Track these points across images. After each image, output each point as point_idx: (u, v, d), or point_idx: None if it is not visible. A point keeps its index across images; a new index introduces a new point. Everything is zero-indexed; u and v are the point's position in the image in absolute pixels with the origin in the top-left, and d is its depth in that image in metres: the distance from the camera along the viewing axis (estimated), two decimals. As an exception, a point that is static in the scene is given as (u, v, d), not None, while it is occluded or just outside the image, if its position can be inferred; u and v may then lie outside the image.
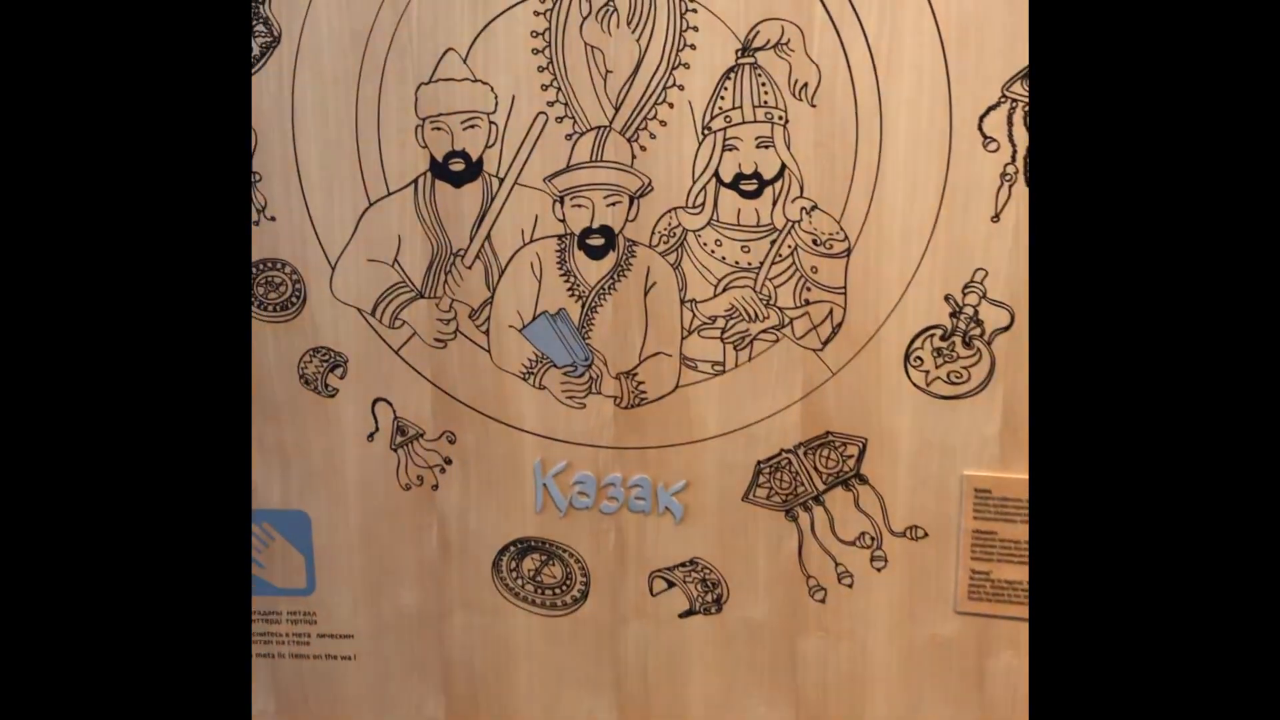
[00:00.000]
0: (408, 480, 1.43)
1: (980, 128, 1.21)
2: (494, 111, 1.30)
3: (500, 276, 1.35)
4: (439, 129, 1.31)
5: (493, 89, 1.29)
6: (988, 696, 1.37)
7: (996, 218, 1.23)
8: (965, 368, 1.28)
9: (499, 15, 1.27)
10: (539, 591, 1.45)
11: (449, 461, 1.41)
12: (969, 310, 1.26)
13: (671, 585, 1.42)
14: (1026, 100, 1.19)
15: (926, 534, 1.34)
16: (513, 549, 1.43)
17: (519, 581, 1.45)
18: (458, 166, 1.32)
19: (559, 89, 1.28)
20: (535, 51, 1.27)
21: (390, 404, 1.40)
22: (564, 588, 1.44)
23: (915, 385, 1.29)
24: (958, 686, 1.37)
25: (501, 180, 1.32)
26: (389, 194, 1.33)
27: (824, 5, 1.21)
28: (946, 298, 1.26)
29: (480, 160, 1.32)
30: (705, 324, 1.32)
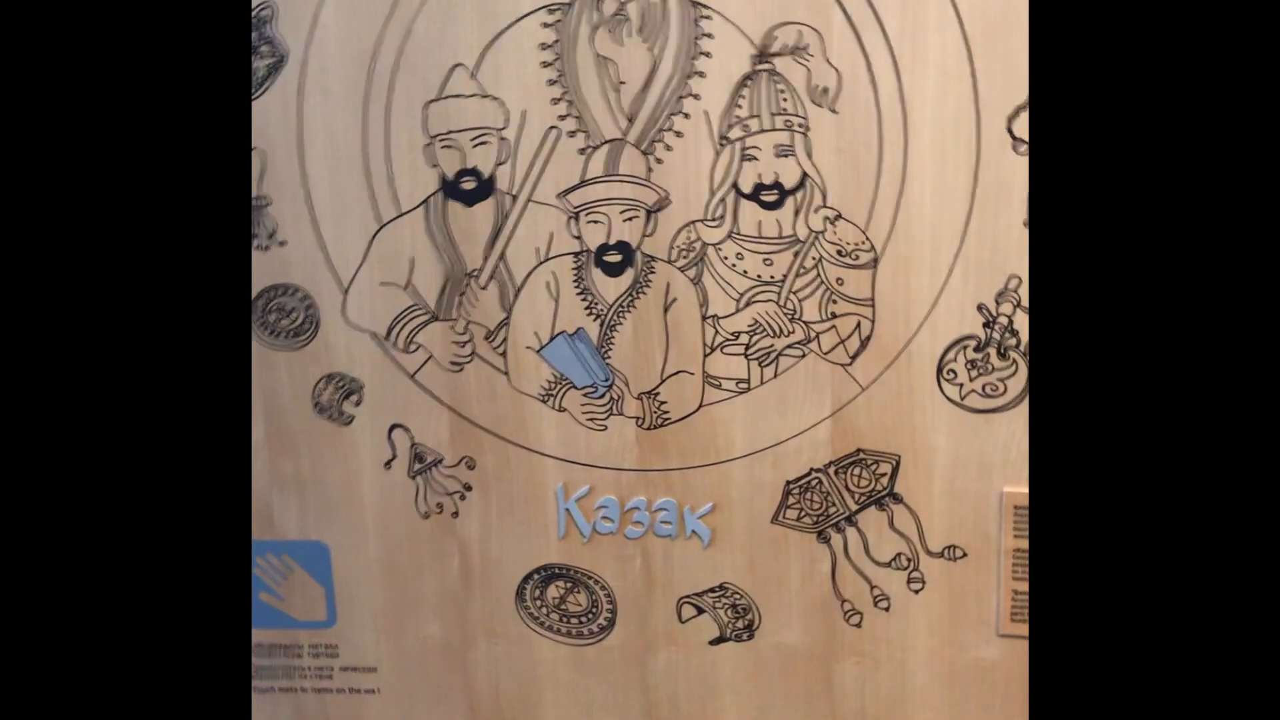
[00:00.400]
0: (427, 508, 1.39)
1: (1010, 129, 1.16)
2: (505, 127, 1.26)
3: (516, 297, 1.31)
4: (449, 147, 1.28)
5: (503, 104, 1.26)
6: (1034, 722, 1.31)
7: (1029, 222, 1.18)
8: (1001, 379, 1.22)
9: (507, 28, 1.23)
10: (564, 620, 1.41)
11: (469, 488, 1.37)
12: (1003, 319, 1.21)
13: (701, 611, 1.37)
14: (1057, 99, 1.14)
15: (965, 554, 1.28)
16: (536, 577, 1.39)
17: (543, 610, 1.41)
18: (469, 185, 1.29)
19: (571, 102, 1.24)
20: (545, 64, 1.24)
21: (407, 430, 1.36)
22: (590, 616, 1.40)
23: (949, 399, 1.24)
24: (1002, 711, 1.31)
25: (514, 198, 1.28)
26: (400, 215, 1.29)
27: (842, 7, 1.16)
28: (979, 307, 1.21)
29: (492, 178, 1.28)
30: (728, 340, 1.27)
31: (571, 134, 1.25)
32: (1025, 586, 1.27)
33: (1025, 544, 1.25)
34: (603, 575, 1.38)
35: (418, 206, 1.29)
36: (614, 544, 1.36)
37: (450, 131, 1.27)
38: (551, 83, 1.24)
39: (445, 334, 1.34)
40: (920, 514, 1.28)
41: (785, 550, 1.32)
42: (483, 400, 1.35)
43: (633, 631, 1.39)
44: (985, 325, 1.21)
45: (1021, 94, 1.15)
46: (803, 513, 1.31)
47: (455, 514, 1.39)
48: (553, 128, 1.25)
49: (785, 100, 1.20)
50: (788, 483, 1.30)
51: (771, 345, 1.27)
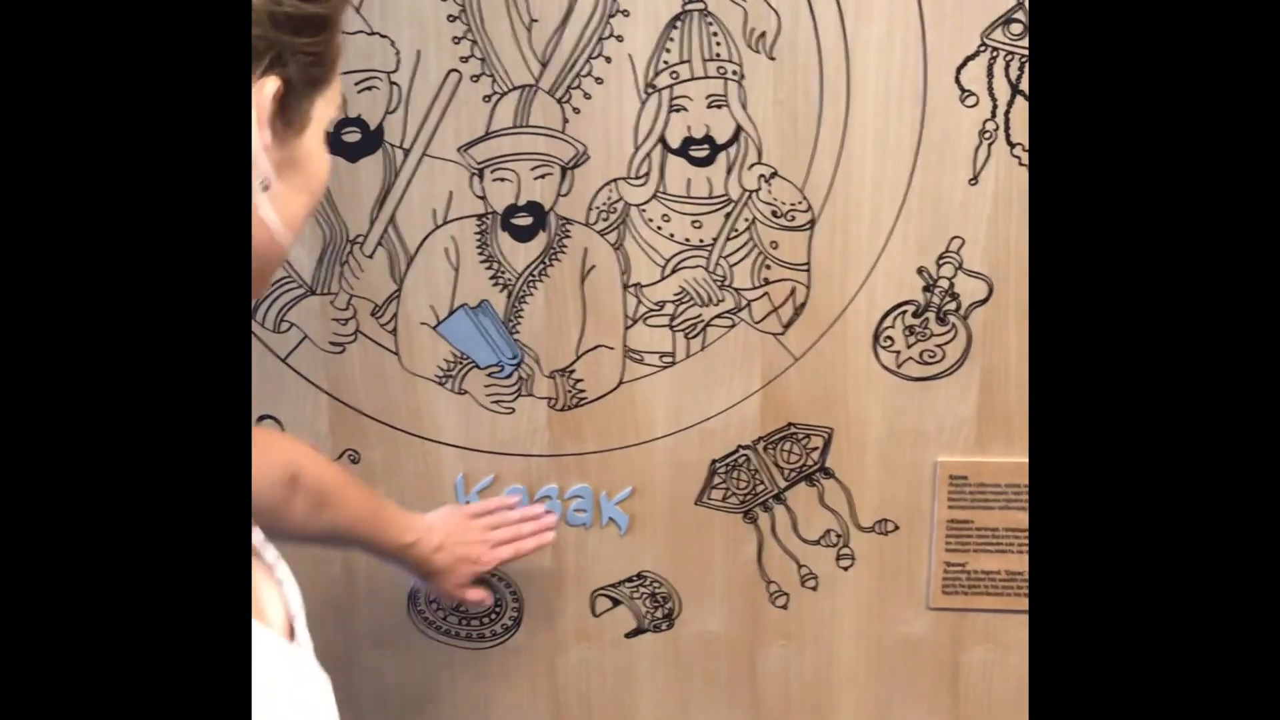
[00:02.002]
0: (303, 508, 1.22)
1: (958, 80, 1.08)
2: (395, 70, 1.09)
3: (409, 266, 1.15)
4: (328, 92, 1.10)
5: (393, 43, 1.08)
6: (962, 694, 1.28)
7: (975, 180, 1.11)
8: (939, 345, 1.16)
9: (398, -46, 1.07)
10: (463, 624, 1.27)
11: (353, 483, 1.21)
12: (944, 283, 1.14)
13: (617, 603, 1.26)
14: (1008, 49, 1.07)
15: (897, 527, 1.22)
16: (431, 577, 1.25)
17: (440, 614, 1.26)
18: (352, 137, 1.11)
19: (474, 42, 1.08)
20: (444, -2, 1.08)
21: (278, 421, 1.18)
22: (492, 617, 1.27)
23: (885, 367, 1.17)
24: (930, 686, 1.27)
25: (407, 152, 1.11)
26: (268, 172, 1.10)
27: (784, -58, 1.06)
28: (920, 270, 1.14)
29: (380, 129, 1.11)
30: (652, 311, 1.16)
31: (475, 79, 1.09)
32: (958, 558, 1.22)
33: (959, 515, 1.21)
34: (507, 572, 1.24)
35: (290, 162, 1.11)
36: (521, 537, 1.23)
37: (329, 74, 1.09)
38: (452, 19, 1.08)
39: (323, 310, 1.16)
40: (852, 488, 1.21)
41: (709, 533, 1.23)
42: (369, 385, 1.18)
43: (540, 630, 1.27)
44: (925, 289, 1.15)
45: (971, 43, 1.08)
46: (729, 493, 1.22)
47: (337, 513, 1.22)
48: (453, 71, 1.09)
49: (719, 45, 1.08)
50: (713, 462, 1.21)
51: (699, 315, 1.16)
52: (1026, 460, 1.19)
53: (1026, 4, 1.06)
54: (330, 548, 1.18)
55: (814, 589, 1.25)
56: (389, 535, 1.11)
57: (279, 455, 1.00)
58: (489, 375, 1.18)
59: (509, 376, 1.18)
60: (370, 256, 1.14)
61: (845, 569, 1.24)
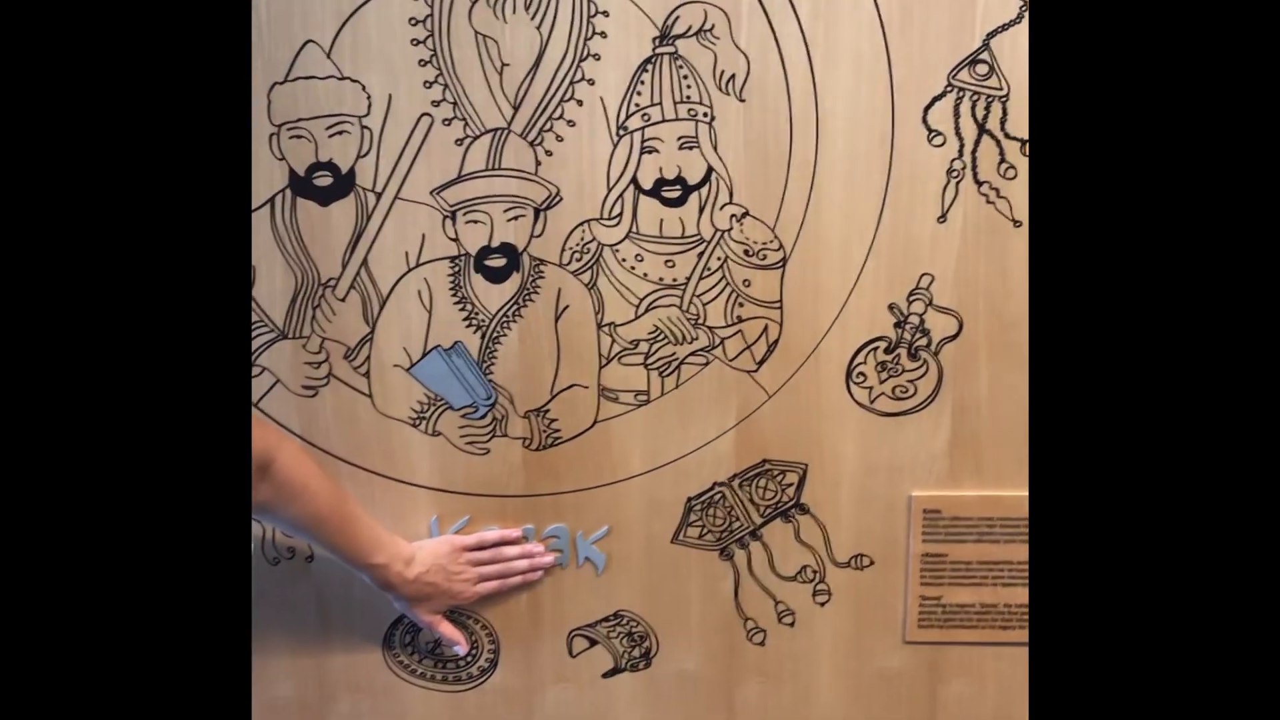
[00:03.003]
0: (275, 554, 1.20)
1: (925, 120, 1.10)
2: (366, 115, 1.09)
3: (381, 308, 1.14)
4: (299, 137, 1.09)
5: (364, 87, 1.09)
6: (939, 727, 1.28)
7: (943, 218, 1.12)
8: (911, 381, 1.17)
9: (369, 0, 1.07)
10: (439, 666, 1.26)
11: (326, 527, 1.20)
12: (915, 319, 1.16)
13: (594, 643, 1.25)
14: (975, 89, 1.09)
15: (872, 562, 1.23)
16: (406, 621, 1.23)
17: (415, 656, 1.25)
18: (324, 181, 1.11)
19: (446, 86, 1.09)
20: (415, 42, 1.08)
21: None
22: (469, 659, 1.26)
23: (858, 403, 1.18)
24: (907, 719, 1.28)
25: (379, 195, 1.11)
26: (239, 216, 1.10)
27: (752, -14, 1.07)
28: (891, 307, 1.15)
29: (352, 172, 1.11)
30: (626, 349, 1.16)
31: (447, 122, 1.10)
32: (933, 592, 1.23)
33: (934, 548, 1.22)
34: (483, 613, 1.24)
35: (262, 206, 1.10)
36: (497, 578, 1.23)
37: (300, 119, 1.09)
38: (423, 63, 1.08)
39: (296, 353, 1.15)
40: (827, 524, 1.22)
41: (685, 571, 1.23)
42: (342, 428, 1.17)
43: (518, 671, 1.26)
44: (896, 325, 1.16)
45: (938, 84, 1.09)
46: (705, 530, 1.22)
47: (310, 558, 1.21)
48: (424, 115, 1.09)
49: (689, 87, 1.09)
50: (689, 499, 1.21)
51: (673, 353, 1.16)
52: (998, 493, 1.20)
53: (991, 45, 1.08)
54: (302, 538, 1.18)
55: (791, 625, 1.25)
56: (357, 549, 1.13)
57: (255, 440, 1.01)
58: (463, 416, 1.17)
59: (483, 417, 1.18)
60: (343, 299, 1.14)
61: (822, 605, 1.24)
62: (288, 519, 1.08)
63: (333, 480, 1.13)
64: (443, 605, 1.20)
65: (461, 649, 1.21)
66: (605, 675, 1.27)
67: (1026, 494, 1.19)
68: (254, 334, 1.14)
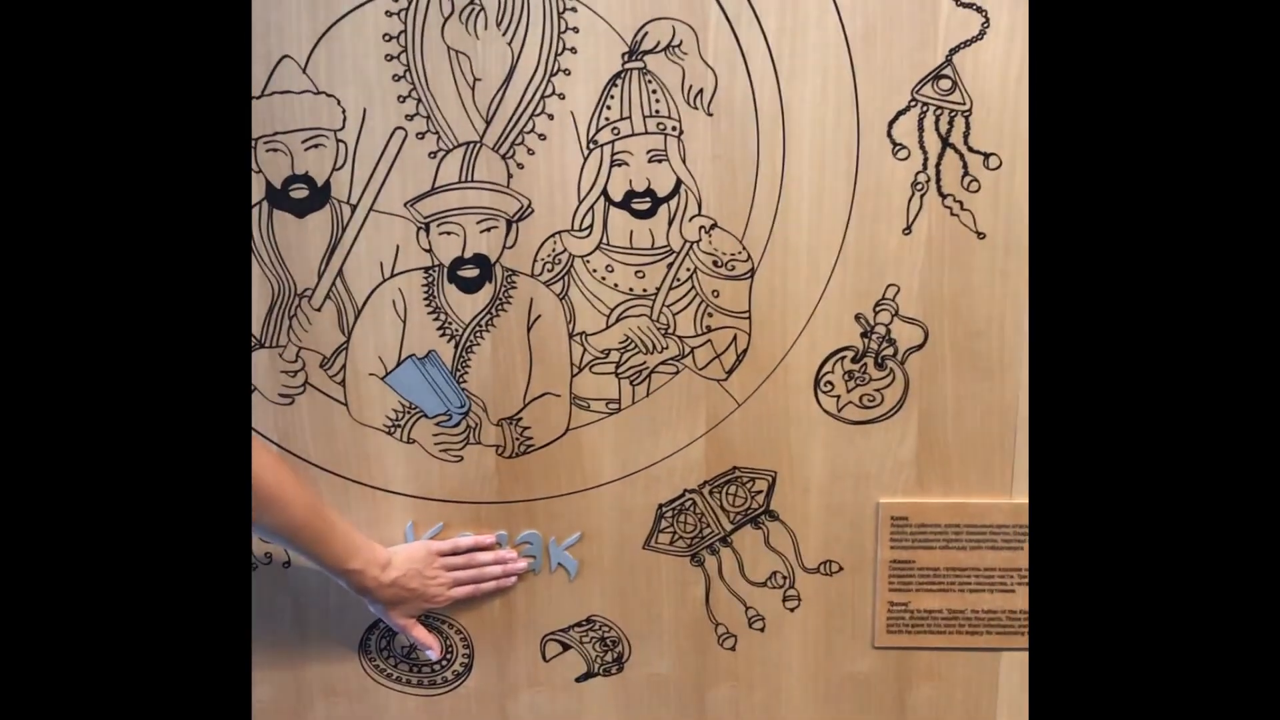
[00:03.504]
0: (253, 560, 1.22)
1: (889, 134, 1.12)
2: (341, 128, 1.11)
3: (356, 318, 1.16)
4: (275, 150, 1.11)
5: (339, 102, 1.11)
6: (908, 731, 1.30)
7: (908, 230, 1.15)
8: (878, 390, 1.19)
9: (344, 16, 1.09)
10: (414, 670, 1.28)
11: (303, 533, 1.22)
12: (881, 329, 1.18)
13: (567, 648, 1.27)
14: (938, 103, 1.11)
15: (841, 568, 1.25)
16: (382, 625, 1.25)
17: (390, 660, 1.27)
18: (300, 193, 1.13)
19: (419, 100, 1.11)
20: (389, 58, 1.10)
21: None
22: (444, 663, 1.27)
23: (826, 411, 1.20)
24: (877, 724, 1.30)
25: (354, 207, 1.13)
26: (216, 228, 1.12)
27: (719, 3, 1.09)
28: (857, 317, 1.17)
29: (327, 185, 1.13)
30: (598, 359, 1.18)
31: (420, 135, 1.12)
32: (901, 598, 1.25)
33: (901, 555, 1.24)
34: (457, 618, 1.26)
35: (239, 218, 1.13)
36: (471, 583, 1.25)
37: (276, 133, 1.11)
38: (397, 78, 1.10)
39: (272, 362, 1.17)
40: (796, 530, 1.24)
41: (657, 577, 1.25)
42: (318, 436, 1.19)
43: (491, 675, 1.28)
44: (863, 335, 1.18)
45: (902, 98, 1.11)
46: (676, 536, 1.24)
47: (287, 563, 1.23)
48: (398, 128, 1.11)
49: (658, 101, 1.12)
50: (660, 506, 1.23)
51: (644, 362, 1.18)
52: (965, 500, 1.22)
53: (954, 61, 1.10)
54: (278, 545, 1.20)
55: (761, 630, 1.27)
56: (333, 555, 1.14)
57: None
58: (437, 424, 1.19)
59: (457, 425, 1.20)
60: (319, 309, 1.16)
61: (791, 610, 1.26)
62: (263, 526, 1.09)
63: (307, 487, 1.14)
64: (417, 609, 1.21)
65: (434, 654, 1.23)
66: (578, 679, 1.29)
67: (992, 501, 1.21)
68: (231, 343, 1.16)
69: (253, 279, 1.14)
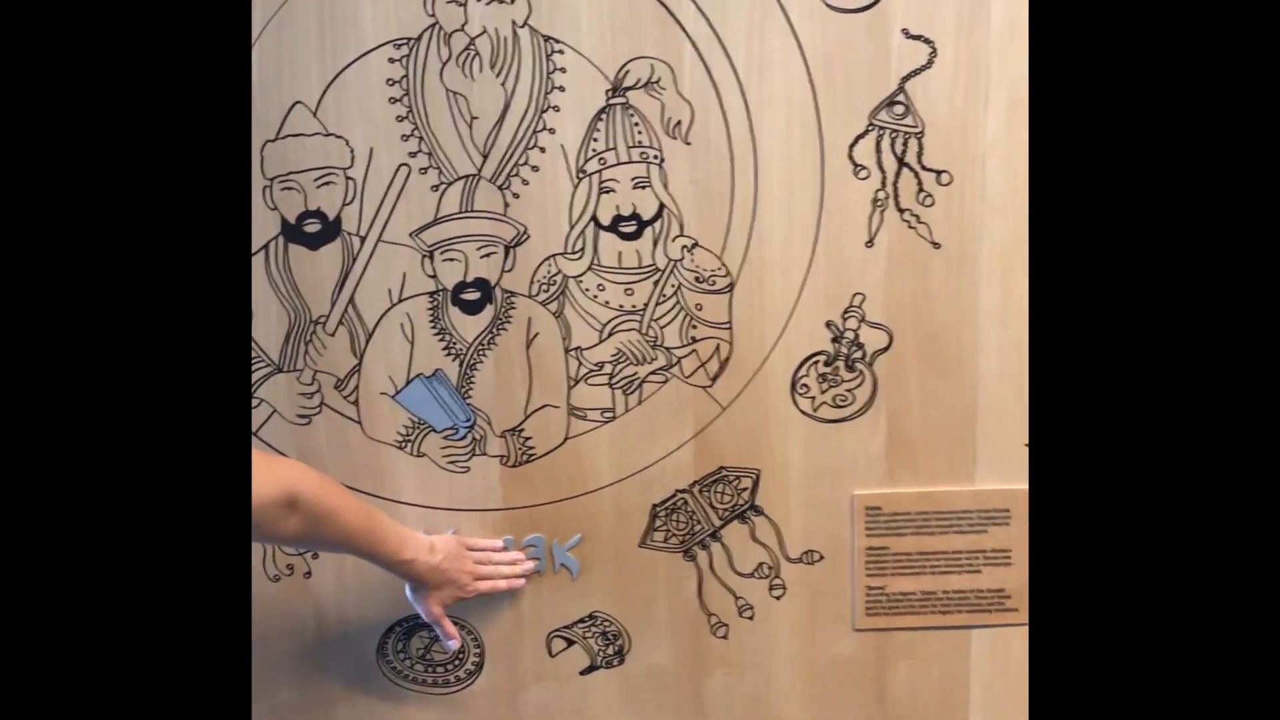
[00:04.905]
0: (276, 571, 1.31)
1: (850, 156, 1.24)
2: (350, 166, 1.21)
3: (368, 341, 1.26)
4: (290, 189, 1.21)
5: (348, 142, 1.21)
6: (889, 708, 1.40)
7: (870, 243, 1.26)
8: (849, 390, 1.30)
9: (350, 64, 1.19)
10: (430, 670, 1.36)
11: (322, 545, 1.31)
12: (850, 334, 1.29)
13: (571, 643, 1.36)
14: (893, 127, 1.23)
15: (822, 557, 1.35)
16: (399, 630, 1.34)
17: (407, 663, 1.36)
18: (313, 227, 1.22)
19: (421, 139, 1.21)
20: (393, 100, 1.20)
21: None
22: (457, 663, 1.36)
23: (803, 412, 1.30)
24: (860, 701, 1.39)
25: (363, 239, 1.23)
26: (235, 262, 1.21)
27: (693, 42, 1.20)
28: (828, 324, 1.28)
29: (338, 219, 1.23)
30: (592, 371, 1.28)
31: (423, 170, 1.22)
32: (878, 582, 1.35)
33: (877, 542, 1.34)
34: (468, 619, 1.34)
35: (257, 252, 1.22)
36: (480, 586, 1.34)
37: (290, 173, 1.20)
38: (400, 119, 1.20)
39: (290, 386, 1.26)
40: (780, 523, 1.34)
41: (653, 573, 1.35)
42: (334, 452, 1.28)
43: (502, 672, 1.37)
44: (834, 340, 1.29)
45: (860, 124, 1.23)
46: (669, 534, 1.33)
47: (308, 574, 1.31)
48: (403, 165, 1.21)
49: (640, 133, 1.22)
50: (654, 506, 1.32)
51: (635, 373, 1.28)
52: (932, 489, 1.32)
53: (906, 88, 1.21)
54: (338, 552, 1.27)
55: (751, 619, 1.37)
56: (386, 551, 1.20)
57: (278, 479, 1.07)
58: (445, 438, 1.29)
59: (463, 438, 1.29)
60: (332, 335, 1.25)
61: (778, 598, 1.36)
62: (322, 541, 1.16)
63: (353, 495, 1.22)
64: (452, 596, 1.28)
65: (455, 644, 1.31)
66: (583, 673, 1.38)
67: (956, 489, 1.32)
68: (253, 368, 1.25)
69: (271, 309, 1.23)
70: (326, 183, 1.21)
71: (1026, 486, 1.31)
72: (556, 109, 1.21)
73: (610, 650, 1.37)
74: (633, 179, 1.23)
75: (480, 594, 1.30)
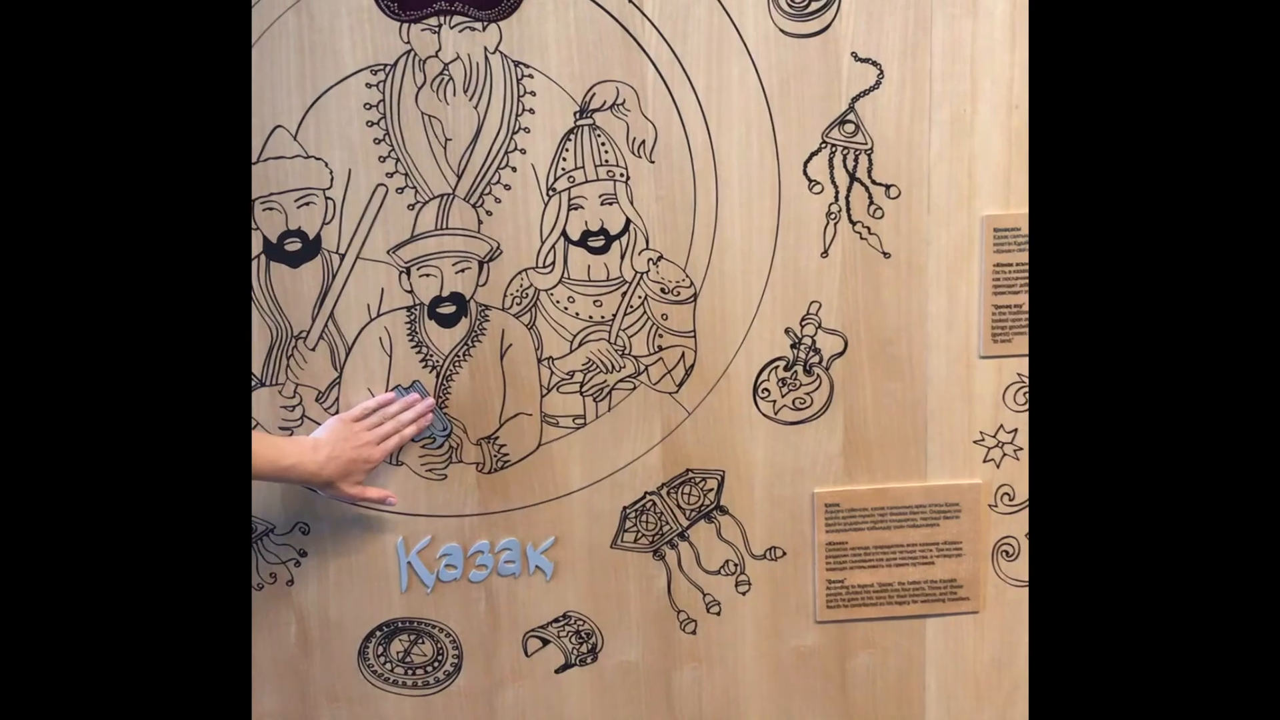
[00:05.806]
0: (259, 579, 1.34)
1: (805, 172, 1.31)
2: (330, 187, 1.26)
3: (347, 355, 1.30)
4: (271, 209, 1.25)
5: (327, 164, 1.26)
6: (850, 696, 1.47)
7: (825, 253, 1.33)
8: (808, 393, 1.37)
9: (329, 89, 1.24)
10: (409, 673, 1.40)
11: (304, 554, 1.34)
12: (808, 340, 1.36)
13: (546, 643, 1.42)
14: (844, 145, 1.30)
15: (785, 553, 1.42)
16: (379, 634, 1.38)
17: (387, 666, 1.40)
18: (294, 246, 1.27)
19: (398, 160, 1.26)
20: (370, 124, 1.25)
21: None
22: (435, 664, 1.41)
23: (764, 415, 1.37)
24: (823, 691, 1.46)
25: (342, 256, 1.28)
26: (218, 280, 1.25)
27: (655, 66, 1.27)
28: (787, 331, 1.35)
29: (318, 238, 1.27)
30: (564, 380, 1.34)
31: (400, 190, 1.27)
32: (838, 575, 1.42)
33: (836, 537, 1.41)
34: (446, 622, 1.39)
35: (239, 271, 1.26)
36: (459, 590, 1.38)
37: (272, 193, 1.25)
38: (377, 141, 1.26)
39: (272, 399, 1.30)
40: (744, 522, 1.40)
41: (624, 572, 1.40)
42: (316, 462, 1.33)
43: (479, 672, 1.41)
44: (793, 346, 1.36)
45: (814, 141, 1.30)
46: (639, 534, 1.39)
47: (290, 582, 1.35)
48: (380, 185, 1.27)
49: (607, 152, 1.29)
50: (624, 508, 1.38)
51: (605, 381, 1.34)
52: (887, 486, 1.40)
53: (856, 108, 1.29)
54: None
55: (718, 614, 1.43)
56: (269, 465, 1.20)
57: None
58: (423, 447, 1.34)
59: (440, 447, 1.34)
60: (313, 349, 1.30)
61: (743, 594, 1.43)
62: None
63: None
64: (361, 473, 1.29)
65: (393, 500, 1.32)
66: (558, 671, 1.43)
67: (909, 485, 1.39)
68: (234, 383, 1.29)
69: (253, 324, 1.28)
70: (307, 203, 1.26)
71: (976, 481, 1.40)
72: (527, 130, 1.27)
73: (584, 648, 1.42)
74: (600, 196, 1.30)
75: (391, 453, 1.31)
